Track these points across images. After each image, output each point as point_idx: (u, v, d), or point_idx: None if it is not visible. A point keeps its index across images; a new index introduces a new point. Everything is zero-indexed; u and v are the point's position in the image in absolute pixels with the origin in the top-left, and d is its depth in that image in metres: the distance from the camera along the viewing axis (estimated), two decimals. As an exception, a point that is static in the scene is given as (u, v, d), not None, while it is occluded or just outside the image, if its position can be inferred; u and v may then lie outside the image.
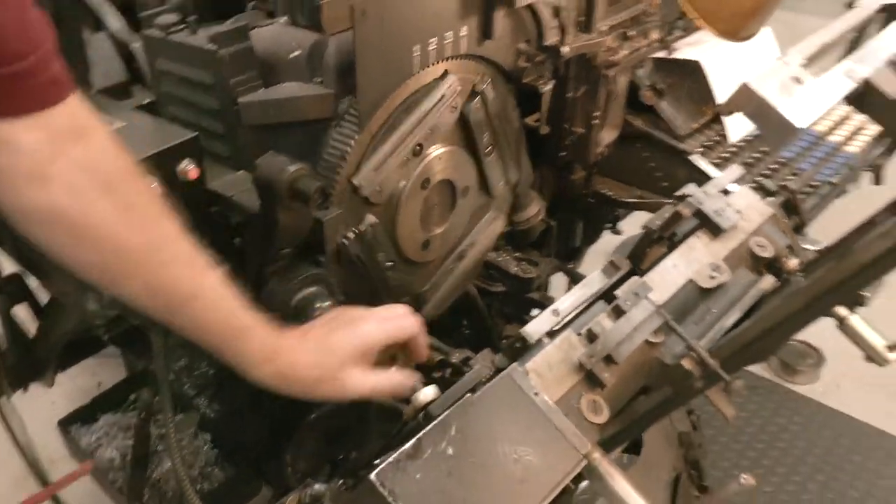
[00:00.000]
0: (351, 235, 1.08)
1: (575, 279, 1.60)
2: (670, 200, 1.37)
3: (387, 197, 1.12)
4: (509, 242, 1.55)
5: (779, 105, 0.60)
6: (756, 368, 2.52)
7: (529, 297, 1.46)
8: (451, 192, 1.25)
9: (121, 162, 0.76)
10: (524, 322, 1.61)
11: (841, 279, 0.77)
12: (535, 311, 1.61)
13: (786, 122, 0.60)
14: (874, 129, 1.78)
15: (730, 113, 0.64)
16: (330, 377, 0.86)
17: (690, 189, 1.05)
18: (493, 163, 1.31)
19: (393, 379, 0.90)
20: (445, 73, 1.14)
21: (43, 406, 2.06)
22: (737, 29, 1.18)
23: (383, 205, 1.13)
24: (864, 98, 0.69)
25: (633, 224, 1.94)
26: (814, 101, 0.63)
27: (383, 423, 1.21)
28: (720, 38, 1.22)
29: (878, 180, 1.80)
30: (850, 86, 0.66)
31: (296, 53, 1.11)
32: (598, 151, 1.47)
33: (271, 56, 1.11)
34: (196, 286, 0.80)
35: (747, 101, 0.62)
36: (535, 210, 1.49)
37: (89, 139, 0.73)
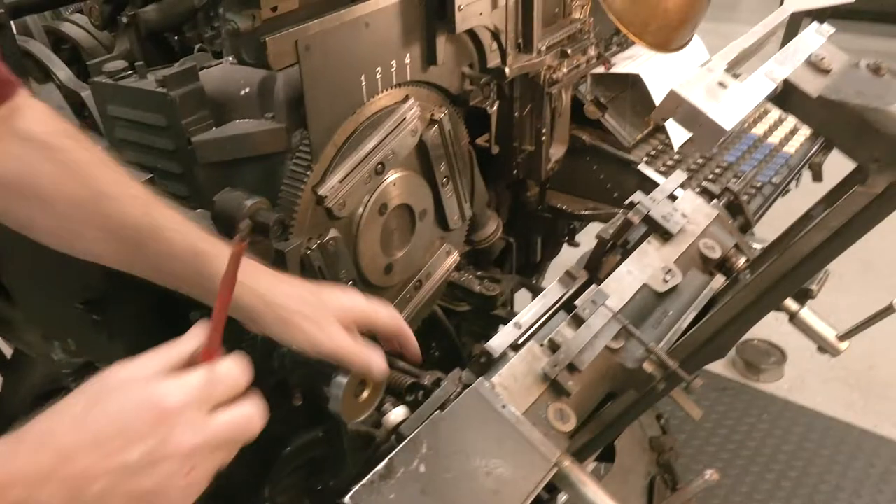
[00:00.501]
0: (314, 246, 1.09)
1: (538, 294, 1.62)
2: (622, 210, 1.41)
3: (349, 213, 1.13)
4: (471, 262, 1.57)
5: (706, 109, 0.63)
6: (722, 370, 2.57)
7: (495, 315, 1.48)
8: (410, 215, 1.27)
9: (57, 125, 0.82)
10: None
11: (784, 272, 0.80)
12: (498, 328, 1.63)
13: (714, 124, 0.63)
14: (808, 129, 1.85)
15: (662, 120, 0.67)
16: (314, 317, 0.84)
17: (638, 196, 1.08)
18: (449, 194, 1.33)
19: (366, 350, 0.88)
20: (407, 98, 1.16)
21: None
22: (666, 41, 1.23)
23: (344, 225, 1.14)
24: (786, 97, 0.73)
25: (592, 236, 1.98)
26: (738, 103, 0.66)
27: (358, 451, 1.21)
28: (651, 50, 1.27)
29: (817, 177, 1.87)
30: (771, 87, 0.70)
31: (246, 91, 1.12)
32: (548, 167, 1.51)
33: (221, 95, 1.12)
34: (153, 219, 0.81)
35: (676, 106, 0.65)
36: (492, 228, 1.51)
37: (25, 113, 0.80)
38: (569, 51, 1.35)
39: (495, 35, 1.25)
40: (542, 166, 1.49)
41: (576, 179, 1.63)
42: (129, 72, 1.15)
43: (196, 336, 0.65)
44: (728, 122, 0.63)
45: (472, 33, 1.24)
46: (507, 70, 1.25)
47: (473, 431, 0.74)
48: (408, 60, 1.16)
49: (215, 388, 0.61)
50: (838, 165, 1.19)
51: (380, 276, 1.24)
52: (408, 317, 1.33)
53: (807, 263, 0.78)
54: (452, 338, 1.50)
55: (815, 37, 0.79)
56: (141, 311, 1.07)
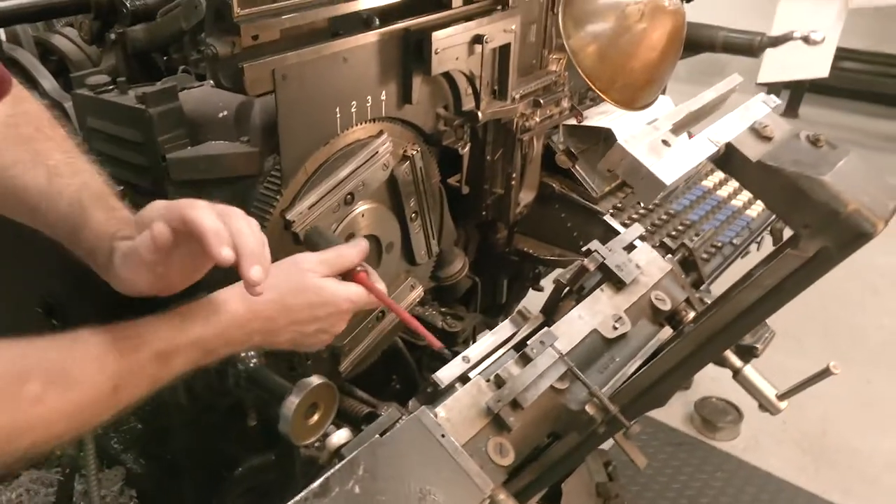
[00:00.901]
0: None
1: (496, 333, 1.65)
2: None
3: (315, 241, 1.15)
4: (436, 298, 1.59)
5: (647, 163, 0.67)
6: (679, 424, 2.60)
7: (455, 351, 1.49)
8: (377, 247, 1.30)
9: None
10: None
11: (721, 326, 0.84)
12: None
13: (654, 178, 0.67)
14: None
15: (607, 170, 0.71)
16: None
17: (595, 245, 1.12)
18: (416, 229, 1.36)
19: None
20: (381, 133, 1.20)
21: (-48, 471, 1.98)
22: (631, 99, 1.29)
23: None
24: (727, 160, 0.78)
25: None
26: (679, 160, 0.70)
27: (310, 476, 1.22)
28: (616, 107, 1.32)
29: (777, 242, 1.93)
30: (713, 148, 0.75)
31: (223, 114, 1.16)
32: (517, 211, 1.55)
33: (199, 116, 1.15)
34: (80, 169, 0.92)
35: (620, 159, 0.69)
36: (458, 266, 1.54)
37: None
38: (542, 100, 1.40)
39: (470, 80, 1.30)
40: (510, 209, 1.53)
41: (544, 225, 1.67)
42: (111, 86, 1.18)
43: (355, 254, 0.96)
44: (668, 177, 0.67)
45: (448, 76, 1.29)
46: (479, 114, 1.30)
47: (411, 458, 0.76)
48: (383, 97, 1.20)
49: (368, 302, 0.96)
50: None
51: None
52: (368, 347, 1.35)
53: (742, 319, 0.82)
54: (412, 371, 1.52)
55: (760, 105, 0.84)
56: (100, 317, 1.08)
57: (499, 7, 1.33)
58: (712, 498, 2.33)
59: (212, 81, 1.24)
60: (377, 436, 0.76)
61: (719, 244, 1.66)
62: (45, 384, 0.68)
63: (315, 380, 1.02)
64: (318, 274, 0.92)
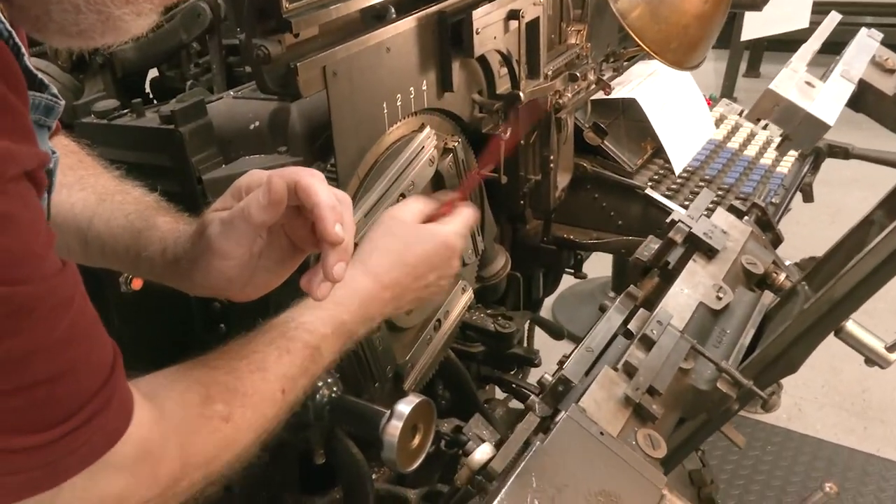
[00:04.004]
0: None
1: (547, 327, 1.63)
2: (628, 237, 1.45)
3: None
4: (478, 300, 1.56)
5: (805, 106, 0.66)
6: (715, 403, 2.62)
7: (512, 353, 1.47)
8: (428, 251, 1.26)
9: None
10: (502, 382, 1.62)
11: (864, 275, 0.83)
12: (515, 368, 1.63)
13: (815, 119, 0.66)
14: (797, 150, 1.95)
15: (757, 120, 0.70)
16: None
17: (677, 215, 1.11)
18: (463, 228, 1.34)
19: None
20: (423, 126, 1.17)
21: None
22: (684, 59, 1.29)
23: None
24: (860, 97, 0.78)
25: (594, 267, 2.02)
26: (830, 100, 0.70)
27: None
28: (670, 67, 1.32)
29: (808, 198, 1.96)
30: (850, 87, 0.74)
31: (255, 125, 1.11)
32: (556, 196, 1.53)
33: (228, 130, 1.11)
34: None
35: (773, 105, 0.68)
36: (501, 263, 1.52)
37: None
38: (578, 73, 1.39)
39: (506, 60, 1.28)
40: (550, 195, 1.51)
41: (578, 210, 1.66)
42: (125, 111, 1.13)
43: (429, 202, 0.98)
44: (828, 116, 0.66)
45: (482, 59, 1.27)
46: (521, 94, 1.28)
47: (576, 460, 0.73)
48: (424, 87, 1.17)
49: (468, 231, 0.99)
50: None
51: (401, 315, 1.23)
52: (429, 359, 1.32)
53: (887, 264, 0.81)
54: (467, 381, 1.48)
55: (868, 40, 0.85)
56: (261, 315, 1.03)
57: (521, -21, 1.32)
58: (768, 473, 2.36)
59: (230, 93, 1.21)
60: (538, 443, 0.73)
61: (762, 205, 1.67)
62: (227, 403, 0.71)
63: (414, 398, 0.99)
64: (419, 221, 0.95)
